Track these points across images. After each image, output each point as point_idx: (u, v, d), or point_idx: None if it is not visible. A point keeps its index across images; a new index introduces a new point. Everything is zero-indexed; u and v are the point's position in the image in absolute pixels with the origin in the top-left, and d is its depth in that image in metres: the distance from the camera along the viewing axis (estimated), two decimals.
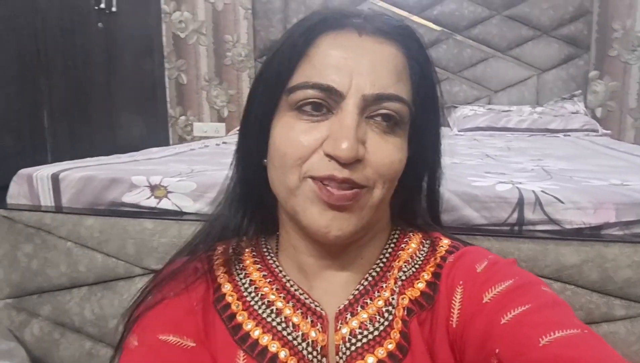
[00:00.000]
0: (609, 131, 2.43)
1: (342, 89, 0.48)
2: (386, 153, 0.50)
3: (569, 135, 2.28)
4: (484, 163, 1.30)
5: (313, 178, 0.49)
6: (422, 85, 0.54)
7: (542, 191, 0.84)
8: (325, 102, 0.49)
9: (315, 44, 0.51)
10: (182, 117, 3.12)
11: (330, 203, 0.48)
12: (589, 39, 2.65)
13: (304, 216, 0.50)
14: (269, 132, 0.53)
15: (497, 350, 0.43)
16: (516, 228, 0.83)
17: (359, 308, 0.53)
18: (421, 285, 0.54)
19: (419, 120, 0.54)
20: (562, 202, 0.81)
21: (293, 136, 0.50)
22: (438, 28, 2.75)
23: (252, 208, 0.60)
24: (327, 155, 0.48)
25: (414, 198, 0.61)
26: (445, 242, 0.58)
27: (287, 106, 0.51)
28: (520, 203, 0.82)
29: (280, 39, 0.53)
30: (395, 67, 0.51)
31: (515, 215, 0.82)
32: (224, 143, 1.99)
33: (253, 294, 0.56)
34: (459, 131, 2.43)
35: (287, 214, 0.55)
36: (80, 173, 1.02)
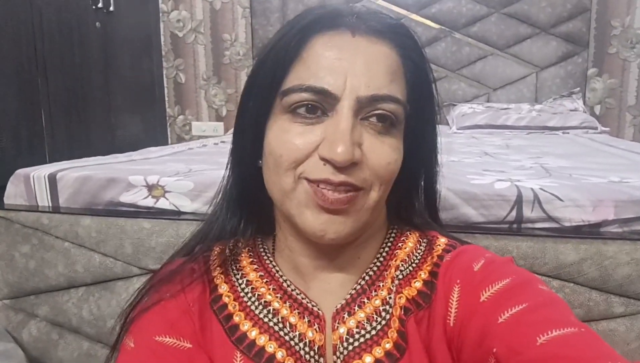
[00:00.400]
0: (607, 129, 2.43)
1: (336, 91, 0.48)
2: (382, 154, 0.49)
3: (567, 132, 2.28)
4: (482, 161, 1.30)
5: (308, 179, 0.49)
6: (417, 83, 0.53)
7: (540, 188, 0.84)
8: (320, 105, 0.49)
9: (309, 45, 0.50)
10: (181, 117, 3.12)
11: (325, 207, 0.48)
12: (587, 36, 2.65)
13: (299, 219, 0.50)
14: (264, 133, 0.53)
15: (494, 349, 0.43)
16: (515, 225, 0.83)
17: (356, 308, 0.53)
18: (418, 284, 0.54)
19: (415, 118, 0.53)
20: (561, 199, 0.81)
21: (288, 139, 0.49)
22: (436, 26, 2.75)
23: (248, 209, 0.60)
24: (323, 159, 0.48)
25: (411, 197, 0.61)
26: (442, 241, 0.58)
27: (281, 108, 0.50)
28: (518, 201, 0.82)
29: (273, 39, 0.52)
30: (389, 66, 0.50)
31: (513, 213, 0.82)
32: (222, 142, 1.99)
33: (250, 295, 0.56)
34: (457, 129, 2.42)
35: (283, 215, 0.55)
36: (78, 173, 1.01)
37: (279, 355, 0.52)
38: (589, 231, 0.81)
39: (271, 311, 0.54)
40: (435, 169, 0.60)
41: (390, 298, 0.53)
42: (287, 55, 0.50)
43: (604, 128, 2.38)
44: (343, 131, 0.47)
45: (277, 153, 0.49)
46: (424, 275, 0.55)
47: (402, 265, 0.56)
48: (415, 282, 0.54)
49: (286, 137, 0.49)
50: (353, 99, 0.48)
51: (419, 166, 0.59)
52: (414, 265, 0.56)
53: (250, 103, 0.54)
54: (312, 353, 0.52)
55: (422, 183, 0.61)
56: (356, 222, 0.50)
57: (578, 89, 2.64)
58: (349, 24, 0.50)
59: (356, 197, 0.49)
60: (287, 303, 0.54)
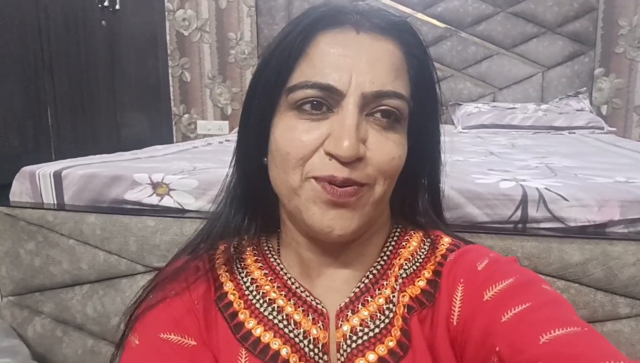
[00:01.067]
0: (614, 129, 2.41)
1: (341, 88, 0.48)
2: (386, 150, 0.50)
3: (574, 132, 2.27)
4: (487, 161, 1.30)
5: (315, 178, 0.49)
6: (420, 80, 0.54)
7: (546, 188, 0.84)
8: (325, 101, 0.49)
9: (314, 42, 0.50)
10: (186, 116, 3.13)
11: (334, 200, 0.48)
12: (594, 35, 2.63)
13: (306, 216, 0.50)
14: (269, 131, 0.53)
15: (497, 348, 0.43)
16: (520, 225, 0.83)
17: (360, 306, 0.53)
18: (422, 283, 0.54)
19: (418, 115, 0.54)
20: (566, 199, 0.81)
21: (295, 136, 0.49)
22: (442, 25, 2.74)
23: (252, 207, 0.60)
24: (328, 154, 0.48)
25: (415, 194, 0.61)
26: (446, 240, 0.58)
27: (286, 105, 0.51)
28: (523, 201, 0.82)
29: (278, 37, 0.53)
30: (393, 63, 0.51)
31: (518, 213, 0.82)
32: (227, 140, 1.99)
33: (254, 292, 0.56)
34: (463, 129, 2.41)
35: (289, 212, 0.55)
36: (83, 171, 1.02)
37: (284, 352, 0.52)
38: (595, 232, 0.80)
39: (276, 308, 0.55)
40: (439, 167, 0.60)
41: (393, 296, 0.53)
42: (292, 53, 0.50)
43: (610, 128, 2.36)
44: (349, 126, 0.47)
45: (284, 150, 0.50)
46: (427, 274, 0.55)
47: (405, 264, 0.56)
48: (418, 281, 0.54)
49: (292, 134, 0.50)
50: (358, 96, 0.48)
51: (422, 164, 0.59)
52: (417, 264, 0.56)
53: (255, 101, 0.54)
54: (316, 350, 0.52)
55: (426, 181, 0.61)
56: (362, 217, 0.51)
57: (584, 88, 2.63)
58: (353, 21, 0.51)
59: (361, 191, 0.49)
60: (292, 301, 0.55)
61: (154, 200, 0.96)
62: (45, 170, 1.03)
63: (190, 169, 1.05)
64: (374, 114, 0.50)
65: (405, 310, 0.52)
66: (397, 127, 0.51)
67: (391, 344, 0.51)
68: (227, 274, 0.58)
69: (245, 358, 0.52)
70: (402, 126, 0.52)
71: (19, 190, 1.06)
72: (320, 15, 0.51)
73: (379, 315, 0.53)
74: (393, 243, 0.59)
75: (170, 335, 0.52)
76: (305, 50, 0.50)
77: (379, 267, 0.56)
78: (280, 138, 0.51)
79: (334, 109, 0.49)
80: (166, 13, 3.04)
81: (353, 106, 0.48)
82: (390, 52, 0.51)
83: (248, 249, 0.61)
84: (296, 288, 0.56)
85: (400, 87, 0.50)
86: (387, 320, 0.52)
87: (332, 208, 0.49)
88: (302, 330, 0.53)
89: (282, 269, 0.58)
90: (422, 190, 0.61)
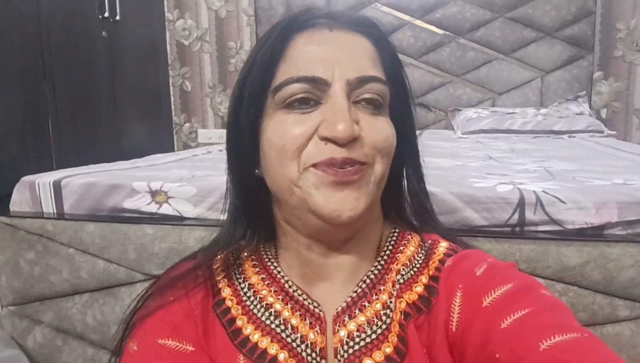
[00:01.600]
0: (614, 132, 2.41)
1: (327, 77, 0.50)
2: (380, 129, 0.52)
3: (573, 136, 2.27)
4: (486, 165, 1.29)
5: (314, 165, 0.50)
6: (393, 72, 0.56)
7: (543, 191, 0.84)
8: (313, 94, 0.51)
9: (292, 43, 0.52)
10: (187, 124, 3.14)
11: (337, 181, 0.49)
12: (592, 39, 2.64)
13: (311, 203, 0.50)
14: (258, 139, 0.54)
15: (497, 355, 0.43)
16: (517, 229, 0.82)
17: (357, 311, 0.53)
18: (419, 289, 0.54)
19: (394, 103, 0.56)
20: (564, 202, 0.80)
21: (287, 128, 0.51)
22: (441, 31, 2.75)
23: (253, 219, 0.60)
24: (324, 138, 0.49)
25: (400, 184, 0.62)
26: (443, 245, 0.58)
27: (274, 106, 0.52)
28: (521, 204, 0.82)
29: (256, 46, 0.55)
30: (368, 54, 0.53)
31: (516, 216, 0.82)
32: None
33: (252, 298, 0.56)
34: (462, 134, 2.41)
35: (292, 208, 0.54)
36: (82, 180, 1.02)
37: (282, 356, 0.52)
38: (593, 234, 0.80)
39: (273, 313, 0.55)
40: (417, 164, 0.62)
41: (391, 302, 0.53)
42: (274, 56, 0.52)
43: (610, 132, 2.36)
44: (341, 109, 0.49)
45: (279, 143, 0.51)
46: (424, 279, 0.55)
47: (403, 269, 0.56)
48: (416, 287, 0.54)
49: (284, 127, 0.51)
50: (344, 82, 0.50)
51: (402, 153, 0.59)
52: (415, 269, 0.56)
53: (242, 110, 0.55)
54: (313, 355, 0.52)
55: (410, 170, 0.62)
56: (368, 197, 0.51)
57: (584, 92, 2.63)
58: (324, 22, 0.54)
59: (362, 169, 0.50)
60: (289, 305, 0.55)
61: (153, 208, 0.96)
62: (44, 179, 1.04)
63: (189, 177, 1.05)
64: (359, 103, 0.51)
65: (402, 316, 0.52)
66: (382, 112, 0.53)
67: (388, 350, 0.51)
68: (225, 280, 0.59)
69: None
70: (387, 111, 0.54)
71: (19, 200, 1.06)
72: (293, 19, 0.54)
73: (376, 320, 0.53)
74: (390, 247, 0.59)
75: (169, 340, 0.52)
76: (284, 52, 0.52)
77: (376, 272, 0.56)
78: (272, 135, 0.52)
79: (321, 101, 0.51)
80: (166, 23, 3.06)
81: (340, 91, 0.50)
82: (364, 45, 0.54)
83: (246, 255, 0.61)
84: (293, 291, 0.56)
85: (379, 74, 0.53)
86: (384, 326, 0.52)
87: (337, 190, 0.49)
88: (299, 335, 0.53)
89: (279, 272, 0.58)
90: (405, 179, 0.62)
